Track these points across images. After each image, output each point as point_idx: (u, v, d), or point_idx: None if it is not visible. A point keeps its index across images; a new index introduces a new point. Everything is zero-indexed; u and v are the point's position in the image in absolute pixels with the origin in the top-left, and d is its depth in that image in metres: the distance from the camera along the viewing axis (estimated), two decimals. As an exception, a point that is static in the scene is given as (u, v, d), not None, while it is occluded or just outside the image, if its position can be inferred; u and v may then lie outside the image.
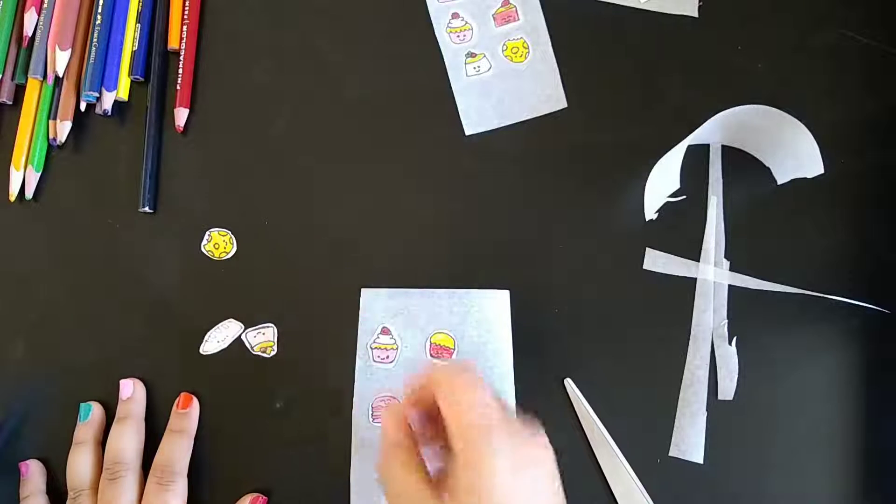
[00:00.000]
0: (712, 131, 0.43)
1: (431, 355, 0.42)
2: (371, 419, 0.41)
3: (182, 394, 0.42)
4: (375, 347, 0.42)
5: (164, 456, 0.40)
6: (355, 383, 0.42)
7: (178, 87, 0.46)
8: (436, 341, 0.42)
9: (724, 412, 0.41)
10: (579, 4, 0.47)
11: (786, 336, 0.42)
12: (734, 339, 0.42)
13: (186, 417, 0.41)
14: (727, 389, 0.42)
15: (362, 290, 0.43)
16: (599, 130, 0.45)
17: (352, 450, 0.41)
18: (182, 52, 0.46)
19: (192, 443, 0.41)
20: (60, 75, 0.45)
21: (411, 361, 0.42)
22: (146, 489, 0.38)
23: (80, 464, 0.40)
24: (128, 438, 0.40)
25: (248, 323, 0.43)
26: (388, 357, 0.42)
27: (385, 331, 0.42)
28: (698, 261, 0.43)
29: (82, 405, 0.42)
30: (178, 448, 0.40)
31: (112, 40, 0.46)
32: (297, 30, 0.47)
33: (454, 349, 0.42)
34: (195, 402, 0.42)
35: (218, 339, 0.43)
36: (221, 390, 0.42)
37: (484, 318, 0.42)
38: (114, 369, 0.42)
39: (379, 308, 0.43)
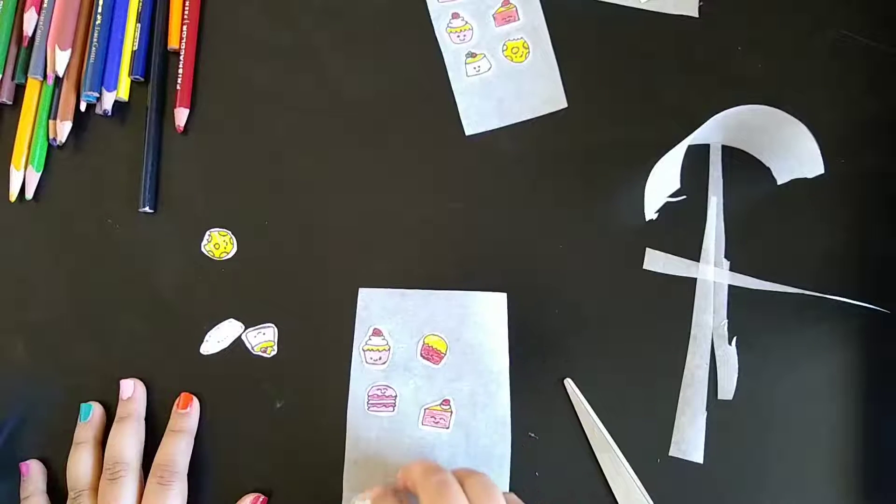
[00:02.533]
0: (712, 131, 0.43)
1: (422, 356, 0.42)
2: (367, 409, 0.41)
3: (182, 394, 0.42)
4: (367, 349, 0.42)
5: (165, 456, 0.39)
6: (350, 384, 0.42)
7: (178, 87, 0.46)
8: (428, 343, 0.42)
9: (724, 412, 0.41)
10: (579, 4, 0.47)
11: (786, 336, 0.42)
12: (734, 339, 0.42)
13: (187, 417, 0.41)
14: (727, 389, 0.42)
15: (360, 289, 0.43)
16: (599, 130, 0.45)
17: (345, 452, 0.41)
18: (182, 52, 0.46)
19: (193, 443, 0.41)
20: (60, 75, 0.45)
21: (404, 362, 0.42)
22: (146, 489, 0.38)
23: (80, 464, 0.40)
24: (128, 438, 0.40)
25: (248, 323, 0.43)
26: (380, 359, 0.42)
27: (376, 332, 0.42)
28: (698, 261, 0.43)
29: (82, 405, 0.42)
30: (178, 448, 0.40)
31: (112, 40, 0.46)
32: (297, 30, 0.47)
33: (445, 353, 0.42)
34: (195, 402, 0.42)
35: (218, 339, 0.43)
36: (221, 390, 0.42)
37: (481, 320, 0.42)
38: (114, 369, 0.42)
39: (376, 308, 0.43)
